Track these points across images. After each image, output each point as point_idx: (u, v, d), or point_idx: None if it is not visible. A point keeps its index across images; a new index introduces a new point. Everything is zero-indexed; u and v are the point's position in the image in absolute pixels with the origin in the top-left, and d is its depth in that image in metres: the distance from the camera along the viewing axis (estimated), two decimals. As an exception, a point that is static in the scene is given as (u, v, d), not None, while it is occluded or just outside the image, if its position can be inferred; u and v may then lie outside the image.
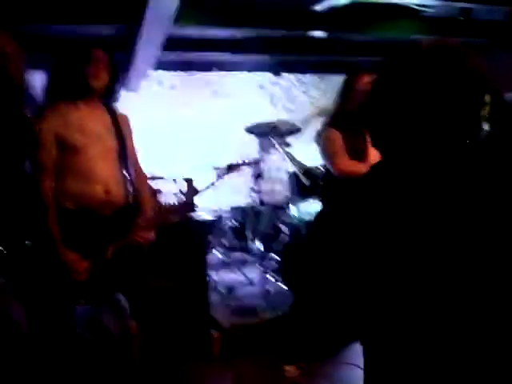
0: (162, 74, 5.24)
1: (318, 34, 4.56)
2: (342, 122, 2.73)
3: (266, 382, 2.64)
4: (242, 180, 5.04)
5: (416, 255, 0.94)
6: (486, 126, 3.73)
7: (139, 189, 2.40)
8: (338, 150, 2.68)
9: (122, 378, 2.35)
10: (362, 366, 2.76)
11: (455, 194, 0.94)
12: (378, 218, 0.97)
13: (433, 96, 0.97)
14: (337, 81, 5.48)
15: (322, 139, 2.78)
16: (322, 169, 3.55)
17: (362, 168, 2.63)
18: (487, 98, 3.86)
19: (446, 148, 0.98)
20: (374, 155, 2.72)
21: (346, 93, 2.73)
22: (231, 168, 2.40)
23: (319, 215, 1.19)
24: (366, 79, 2.65)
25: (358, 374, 2.69)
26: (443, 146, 0.98)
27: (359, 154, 2.69)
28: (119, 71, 2.37)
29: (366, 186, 1.05)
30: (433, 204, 0.94)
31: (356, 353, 3.01)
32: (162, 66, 4.81)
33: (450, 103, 0.97)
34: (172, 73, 5.30)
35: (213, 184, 2.43)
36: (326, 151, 2.76)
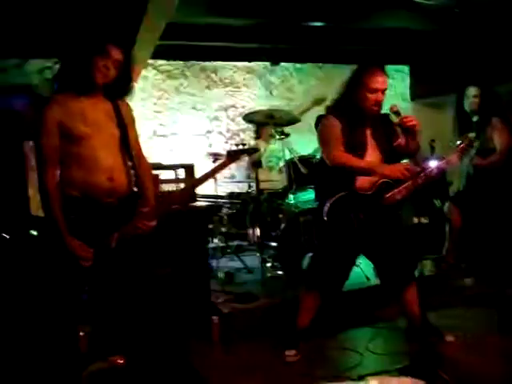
0: (158, 62, 5.24)
1: (316, 22, 4.59)
2: (343, 112, 2.71)
3: (265, 366, 2.70)
4: (240, 168, 5.10)
5: None
6: (474, 118, 3.86)
7: (142, 176, 2.42)
8: (334, 139, 2.66)
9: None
10: (356, 349, 2.85)
11: None
12: None
13: None
14: (334, 70, 5.56)
15: (321, 125, 2.77)
16: (317, 157, 3.59)
17: (355, 161, 2.66)
18: (477, 91, 4.00)
19: None
20: (372, 149, 2.75)
21: (353, 84, 2.68)
22: (230, 155, 2.42)
23: None
24: (379, 77, 2.62)
25: (350, 356, 2.79)
26: None
27: (357, 147, 2.68)
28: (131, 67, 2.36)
29: None
30: None
31: (347, 337, 3.12)
32: (160, 54, 4.80)
33: None
34: (170, 61, 5.30)
35: (214, 173, 2.45)
36: (323, 138, 2.75)
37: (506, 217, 3.86)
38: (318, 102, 5.63)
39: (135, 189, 2.41)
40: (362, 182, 2.70)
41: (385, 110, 2.78)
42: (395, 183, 2.74)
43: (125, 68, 2.28)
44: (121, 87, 2.33)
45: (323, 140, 2.75)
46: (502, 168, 3.85)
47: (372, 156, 2.73)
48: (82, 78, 2.20)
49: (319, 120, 2.81)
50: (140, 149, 2.49)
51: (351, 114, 2.70)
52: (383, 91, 2.66)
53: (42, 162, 2.22)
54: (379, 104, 2.67)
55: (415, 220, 4.62)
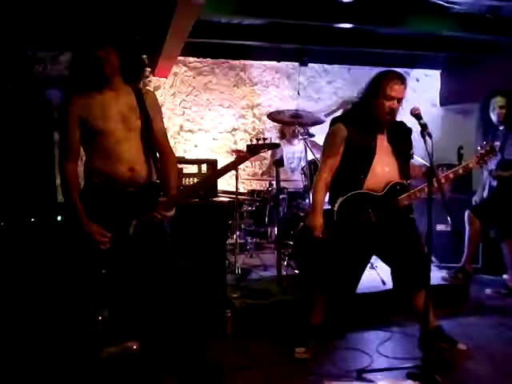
0: (188, 59, 5.33)
1: (345, 24, 4.58)
2: (355, 118, 2.73)
3: (274, 362, 2.73)
4: (262, 166, 5.15)
5: None
6: (501, 127, 3.81)
7: (165, 167, 2.45)
8: (332, 152, 2.74)
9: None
10: (366, 351, 2.84)
11: None
12: None
13: None
14: (361, 72, 5.53)
15: (328, 132, 2.82)
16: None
17: (316, 193, 2.77)
18: (504, 101, 3.94)
19: None
20: (384, 154, 2.74)
21: (371, 90, 2.68)
22: (250, 149, 2.41)
23: None
24: (397, 85, 2.61)
25: (360, 357, 2.80)
26: None
27: (365, 152, 2.70)
28: (138, 53, 2.46)
29: None
30: None
31: (359, 338, 3.12)
32: (190, 51, 4.88)
33: None
34: (200, 59, 5.38)
35: (234, 165, 2.48)
36: (324, 146, 2.83)
37: None
38: (345, 103, 5.64)
39: (156, 180, 2.47)
40: (373, 182, 2.70)
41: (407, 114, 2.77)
42: (408, 185, 2.74)
43: (129, 55, 2.32)
44: (131, 73, 2.38)
45: (323, 148, 2.84)
46: None
47: (383, 160, 2.72)
48: (94, 73, 2.27)
49: (331, 124, 2.85)
50: (166, 138, 2.51)
51: (363, 119, 2.71)
52: (399, 100, 2.65)
53: (63, 154, 2.35)
54: (393, 112, 2.67)
55: (438, 227, 4.58)
